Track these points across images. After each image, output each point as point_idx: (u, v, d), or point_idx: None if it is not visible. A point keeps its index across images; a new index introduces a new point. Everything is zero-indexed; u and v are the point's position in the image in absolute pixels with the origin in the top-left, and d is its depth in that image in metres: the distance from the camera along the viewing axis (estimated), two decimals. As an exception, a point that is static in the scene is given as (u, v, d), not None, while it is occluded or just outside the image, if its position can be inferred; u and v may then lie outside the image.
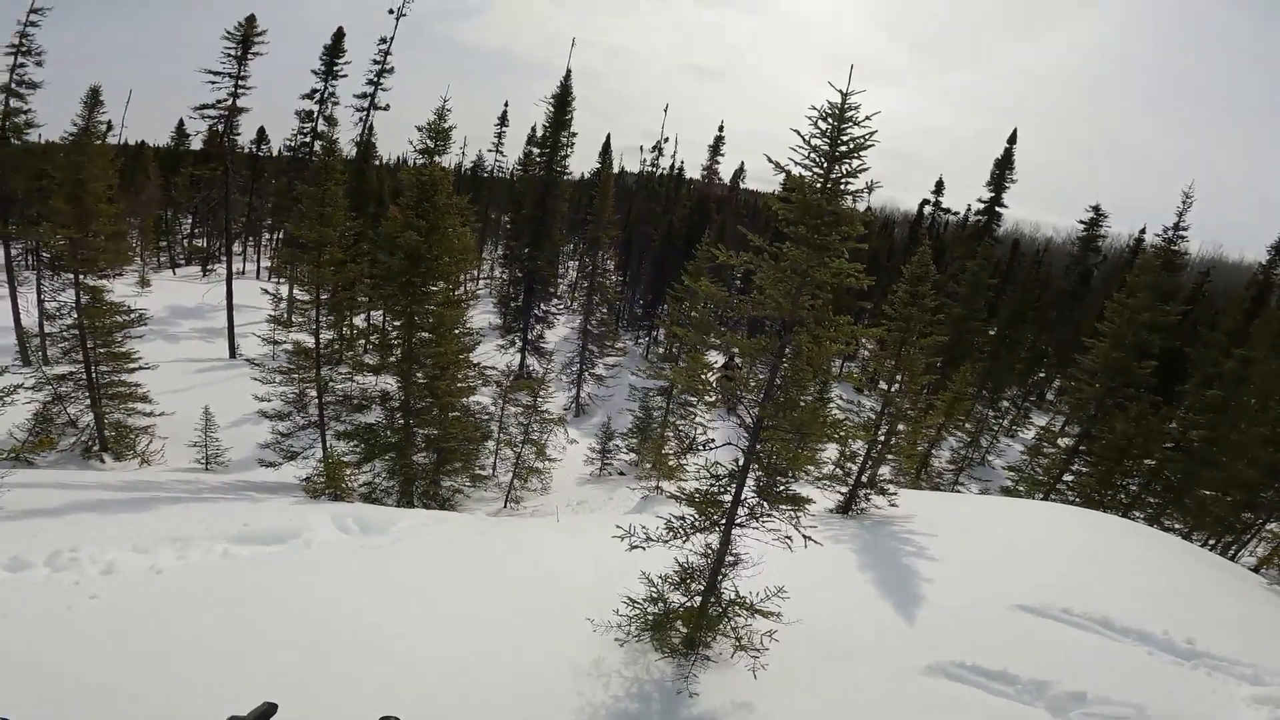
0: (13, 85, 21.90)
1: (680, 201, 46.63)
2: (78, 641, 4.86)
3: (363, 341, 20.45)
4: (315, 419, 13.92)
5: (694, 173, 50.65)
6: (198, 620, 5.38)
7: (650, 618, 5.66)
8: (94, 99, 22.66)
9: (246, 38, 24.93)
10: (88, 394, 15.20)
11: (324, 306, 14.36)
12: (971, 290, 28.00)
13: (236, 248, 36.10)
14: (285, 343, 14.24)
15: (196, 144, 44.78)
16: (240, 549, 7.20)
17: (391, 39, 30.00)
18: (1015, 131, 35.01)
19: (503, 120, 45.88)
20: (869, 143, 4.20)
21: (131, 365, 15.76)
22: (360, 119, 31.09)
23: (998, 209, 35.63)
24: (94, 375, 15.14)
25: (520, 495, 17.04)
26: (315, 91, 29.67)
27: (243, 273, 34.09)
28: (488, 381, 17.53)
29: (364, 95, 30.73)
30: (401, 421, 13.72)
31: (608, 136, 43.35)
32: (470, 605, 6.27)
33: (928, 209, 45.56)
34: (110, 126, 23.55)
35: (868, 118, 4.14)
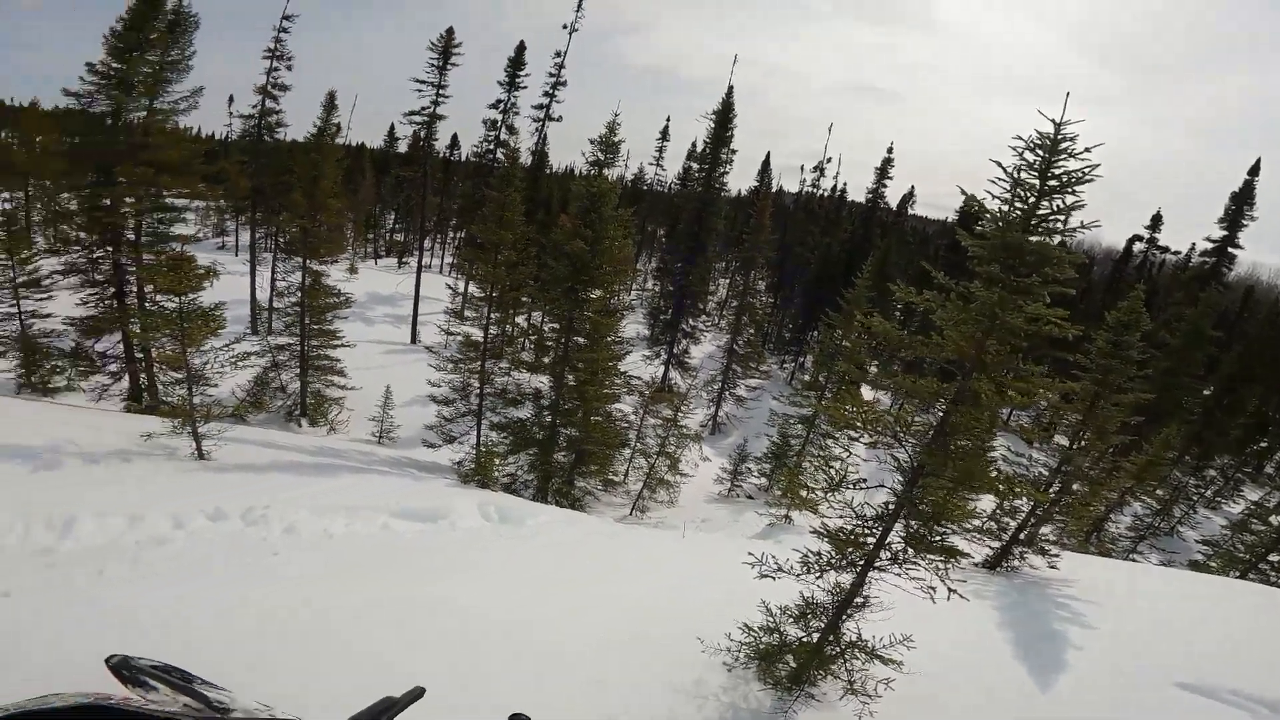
0: (268, 87, 25.81)
1: (841, 224, 44.85)
2: (253, 591, 5.49)
3: (522, 340, 22.07)
4: (475, 408, 15.08)
5: (857, 195, 48.68)
6: (353, 583, 5.89)
7: (762, 647, 5.46)
8: (330, 103, 26.51)
9: (446, 49, 27.57)
10: (298, 364, 17.69)
11: (494, 304, 15.59)
12: (1188, 342, 24.08)
13: (427, 244, 40.16)
14: (458, 334, 15.67)
15: (403, 148, 50.38)
16: (398, 523, 7.90)
17: (565, 53, 30.83)
18: (1258, 162, 29.76)
19: (664, 135, 46.85)
20: (1087, 177, 3.74)
21: (336, 342, 18.05)
22: (536, 129, 32.95)
23: (1230, 250, 30.43)
24: (306, 348, 17.58)
25: (647, 505, 17.25)
26: (499, 102, 31.65)
27: (430, 267, 37.77)
28: (632, 390, 17.99)
29: (540, 106, 32.26)
30: (549, 420, 14.47)
31: (767, 155, 43.18)
32: (587, 603, 6.34)
33: (1138, 246, 39.97)
34: (339, 129, 27.25)
35: (1086, 150, 3.69)
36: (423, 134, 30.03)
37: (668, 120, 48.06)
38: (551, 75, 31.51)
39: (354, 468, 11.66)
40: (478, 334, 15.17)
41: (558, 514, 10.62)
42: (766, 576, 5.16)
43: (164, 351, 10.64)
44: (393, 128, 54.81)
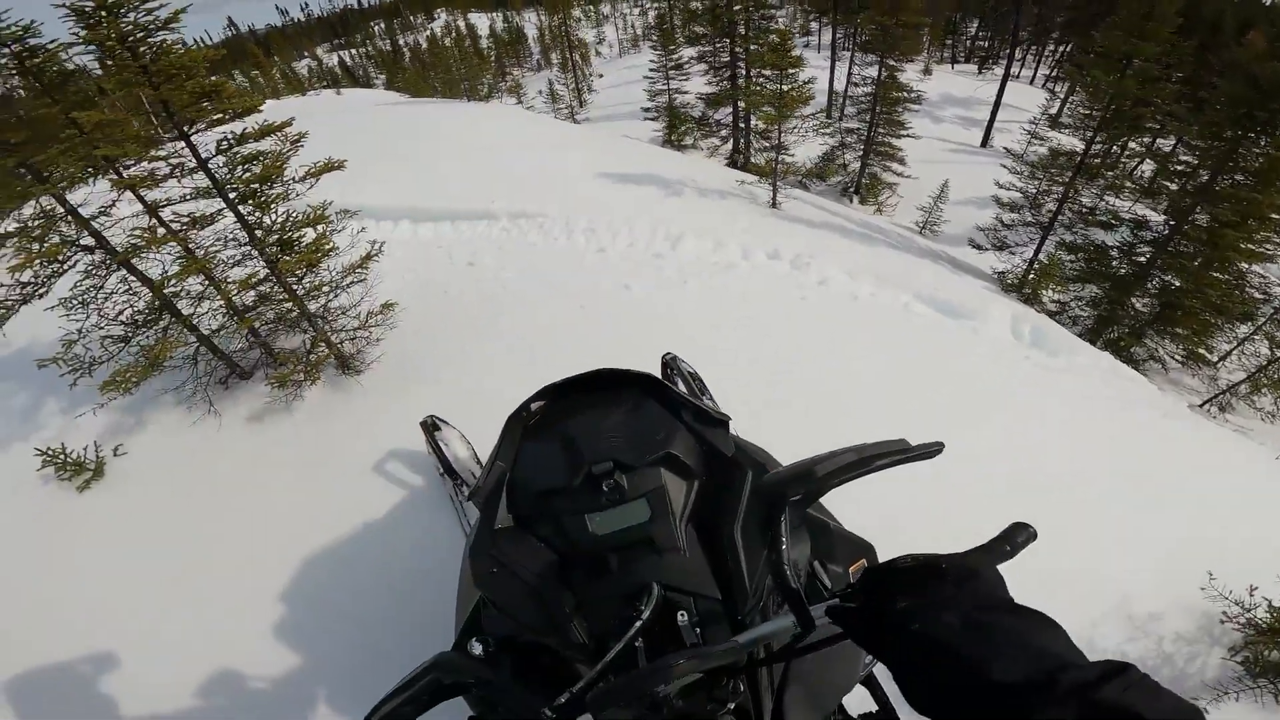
0: None
1: None
2: (783, 325, 6.13)
3: (1138, 163, 17.99)
4: (1043, 220, 13.02)
5: None
6: (864, 347, 5.96)
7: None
8: None
9: None
10: (862, 146, 18.83)
11: (1106, 120, 12.56)
12: None
13: (1017, 54, 35.40)
14: (1046, 140, 13.41)
15: None
16: (919, 306, 7.32)
17: None
18: None
19: None
20: None
21: (902, 132, 18.31)
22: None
23: None
24: (871, 134, 18.40)
25: (1233, 404, 12.50)
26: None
27: (1017, 76, 33.44)
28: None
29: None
30: (1146, 256, 11.40)
31: None
32: (1086, 475, 4.90)
33: None
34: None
35: None
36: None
37: None
38: None
39: (891, 244, 11.58)
40: (1077, 145, 12.54)
41: (1103, 360, 8.22)
42: None
43: (765, 114, 12.04)
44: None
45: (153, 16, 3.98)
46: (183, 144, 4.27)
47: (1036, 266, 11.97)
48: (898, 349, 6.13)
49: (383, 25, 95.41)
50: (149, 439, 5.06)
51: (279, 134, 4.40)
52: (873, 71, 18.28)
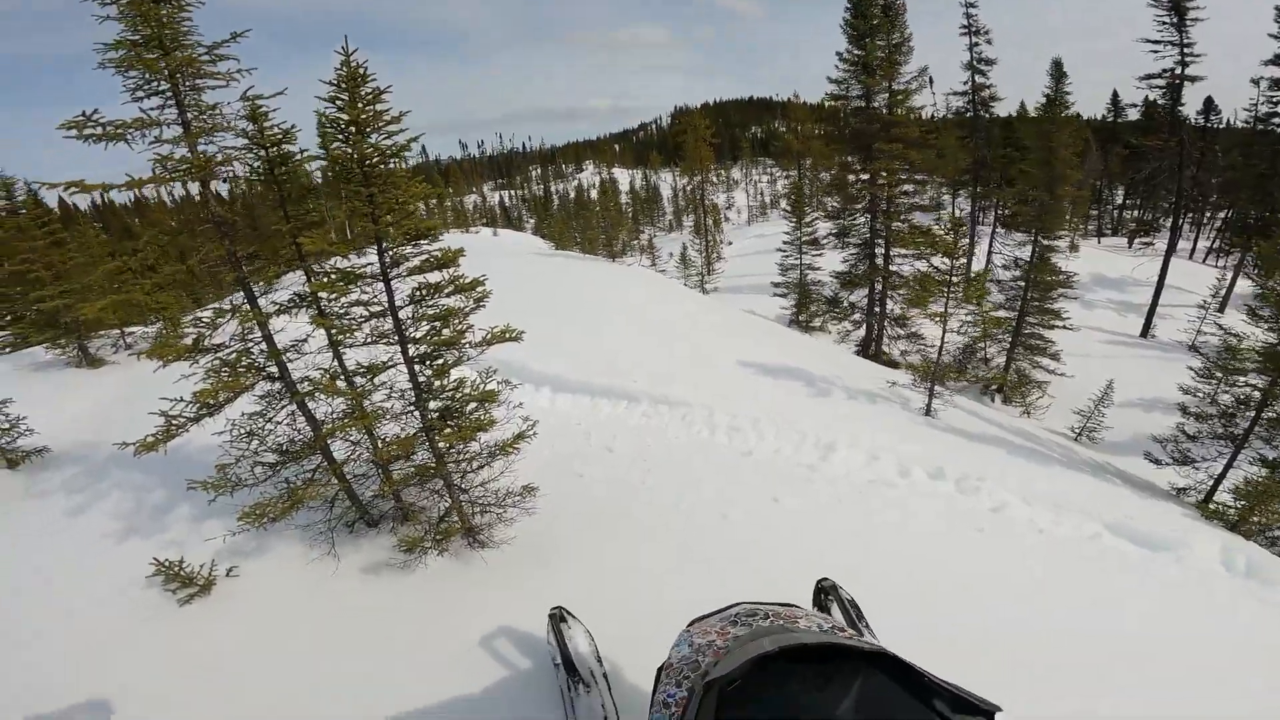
0: (974, 63, 25.35)
1: None
2: (950, 565, 5.33)
3: None
4: (1235, 431, 11.25)
5: None
6: (1060, 594, 5.06)
7: None
8: (1058, 71, 24.16)
9: (1177, 4, 21.43)
10: (1009, 339, 16.91)
11: None
12: None
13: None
14: (1215, 335, 11.98)
15: (1132, 115, 43.13)
16: (1111, 539, 6.38)
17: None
18: None
19: None
20: None
21: (1055, 323, 16.54)
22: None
23: None
24: (1020, 324, 16.64)
25: None
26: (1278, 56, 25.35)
27: (1176, 252, 31.23)
28: None
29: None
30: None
31: None
32: None
33: None
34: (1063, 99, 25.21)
35: None
36: (1166, 99, 24.11)
37: None
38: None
39: (1060, 460, 10.30)
40: (1265, 337, 11.05)
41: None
42: None
43: (927, 307, 11.30)
44: (1116, 95, 48.70)
45: (392, 141, 4.20)
46: (381, 285, 4.46)
47: (1239, 486, 10.15)
48: (1110, 600, 5.21)
49: (539, 170, 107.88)
50: (265, 566, 5.11)
51: (467, 294, 4.54)
52: (1019, 252, 16.89)
